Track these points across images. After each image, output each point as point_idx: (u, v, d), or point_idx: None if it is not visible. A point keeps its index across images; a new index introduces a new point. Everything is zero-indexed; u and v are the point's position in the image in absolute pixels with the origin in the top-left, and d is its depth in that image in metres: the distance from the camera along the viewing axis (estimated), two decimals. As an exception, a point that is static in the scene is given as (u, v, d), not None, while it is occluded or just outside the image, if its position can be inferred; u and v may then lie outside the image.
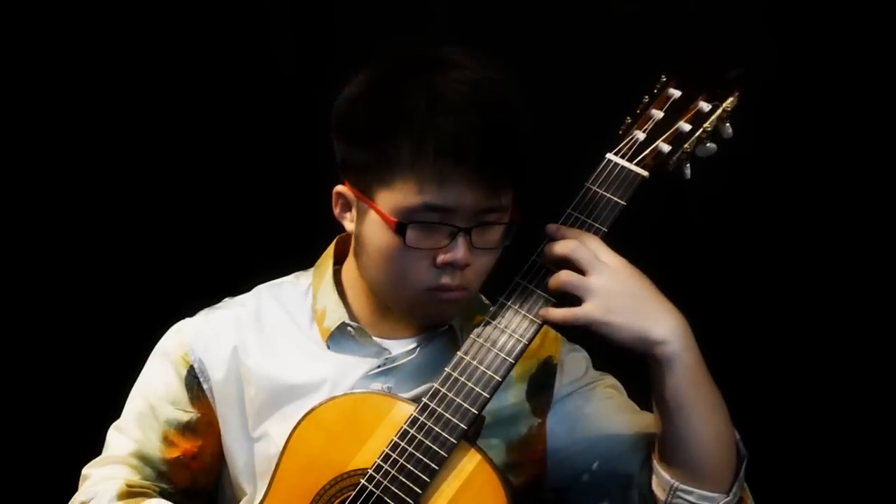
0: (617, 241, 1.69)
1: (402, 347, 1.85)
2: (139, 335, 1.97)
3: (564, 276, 1.65)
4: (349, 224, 1.81)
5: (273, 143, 2.59)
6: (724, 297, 2.43)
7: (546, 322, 1.68)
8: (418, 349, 1.84)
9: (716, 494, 1.70)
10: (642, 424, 1.80)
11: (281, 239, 2.54)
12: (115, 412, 1.93)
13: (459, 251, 1.72)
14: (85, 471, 1.90)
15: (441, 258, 1.72)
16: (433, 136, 1.67)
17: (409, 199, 1.70)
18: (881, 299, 2.45)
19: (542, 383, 1.86)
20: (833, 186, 2.42)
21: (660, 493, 1.73)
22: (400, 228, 1.71)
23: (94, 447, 1.92)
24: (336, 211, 1.83)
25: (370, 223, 1.75)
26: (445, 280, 1.74)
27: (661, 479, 1.72)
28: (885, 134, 2.39)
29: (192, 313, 1.93)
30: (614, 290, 1.64)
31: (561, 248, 1.67)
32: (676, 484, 1.70)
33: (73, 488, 1.89)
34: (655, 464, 1.73)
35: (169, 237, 2.60)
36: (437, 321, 1.84)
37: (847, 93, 2.38)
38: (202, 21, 2.54)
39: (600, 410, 1.84)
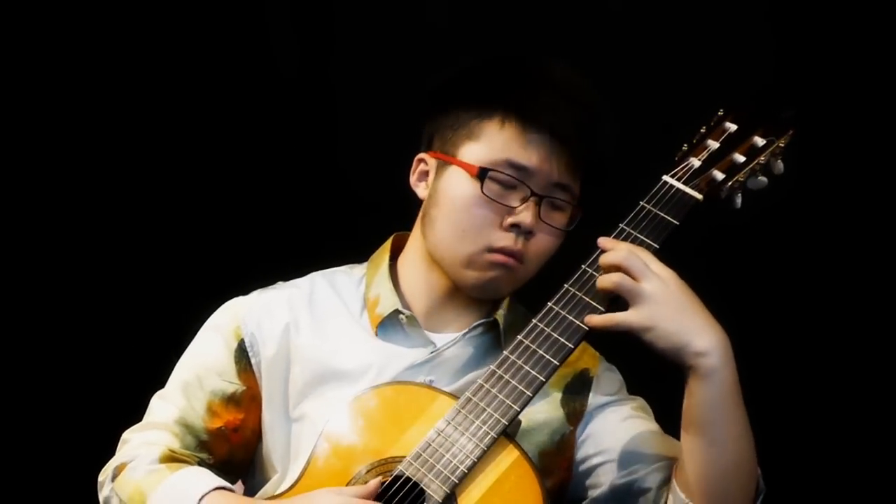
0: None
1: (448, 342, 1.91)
2: (181, 315, 2.02)
3: (617, 278, 1.69)
4: (422, 191, 1.91)
5: (272, 142, 2.63)
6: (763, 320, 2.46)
7: (588, 327, 1.72)
8: (462, 339, 1.90)
9: None
10: (667, 446, 1.84)
11: (282, 236, 2.59)
12: (155, 382, 1.96)
13: (529, 215, 1.82)
14: (125, 435, 1.92)
15: (510, 219, 1.82)
16: (534, 100, 1.81)
17: (493, 154, 1.83)
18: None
19: (576, 392, 1.91)
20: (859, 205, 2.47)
21: None
22: (481, 173, 1.82)
23: (131, 416, 1.95)
24: (412, 179, 1.93)
25: (448, 177, 1.86)
26: (507, 243, 1.82)
27: (677, 498, 1.75)
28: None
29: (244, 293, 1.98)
30: (662, 297, 1.67)
31: (614, 255, 1.72)
32: None
33: (111, 453, 1.91)
34: (674, 483, 1.76)
35: (174, 232, 2.65)
36: (484, 290, 1.88)
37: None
38: (203, 21, 2.58)
39: (629, 427, 1.88)
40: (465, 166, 1.84)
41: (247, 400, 1.91)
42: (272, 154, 2.64)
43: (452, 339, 1.90)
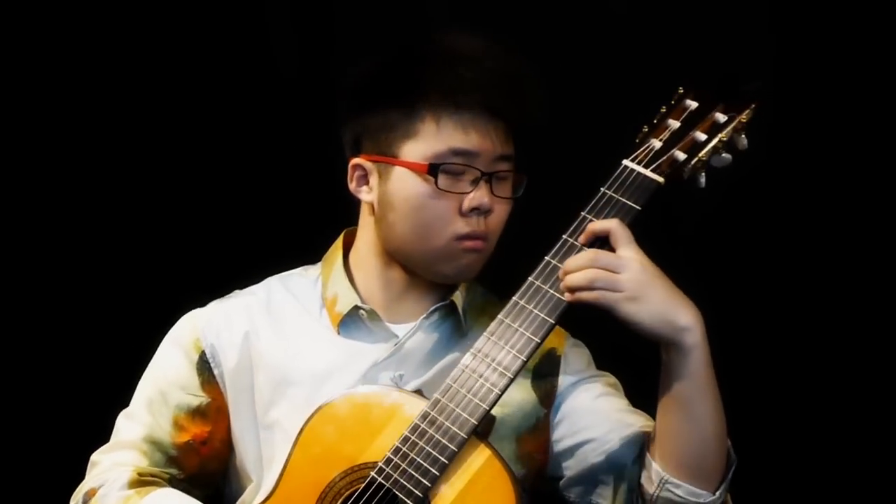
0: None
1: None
2: (145, 327, 2.01)
3: (592, 274, 1.66)
4: (366, 195, 1.89)
5: (273, 143, 2.61)
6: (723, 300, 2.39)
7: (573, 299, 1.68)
8: (422, 325, 1.89)
9: (703, 492, 1.74)
10: (639, 422, 1.85)
11: (281, 237, 2.56)
12: (123, 402, 1.95)
13: (484, 195, 1.82)
14: (94, 457, 1.91)
15: (468, 203, 1.82)
16: (455, 83, 1.80)
17: (435, 147, 1.81)
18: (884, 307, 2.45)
19: (546, 373, 1.91)
20: (832, 191, 2.44)
21: (648, 486, 1.77)
22: (432, 170, 1.81)
23: (101, 436, 1.94)
24: (352, 186, 1.91)
25: (396, 179, 1.84)
26: (472, 227, 1.82)
27: (653, 471, 1.75)
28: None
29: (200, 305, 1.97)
30: (643, 280, 1.66)
31: (580, 272, 1.67)
32: (667, 476, 1.74)
33: (81, 476, 1.90)
34: (648, 457, 1.77)
35: (172, 235, 2.62)
36: (461, 277, 1.89)
37: (851, 96, 2.40)
38: (202, 21, 2.57)
39: (602, 405, 1.88)
40: (413, 166, 1.82)
41: (213, 412, 1.90)
42: (271, 154, 2.62)
43: (413, 327, 1.89)
